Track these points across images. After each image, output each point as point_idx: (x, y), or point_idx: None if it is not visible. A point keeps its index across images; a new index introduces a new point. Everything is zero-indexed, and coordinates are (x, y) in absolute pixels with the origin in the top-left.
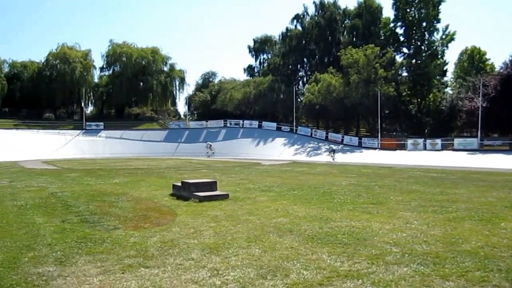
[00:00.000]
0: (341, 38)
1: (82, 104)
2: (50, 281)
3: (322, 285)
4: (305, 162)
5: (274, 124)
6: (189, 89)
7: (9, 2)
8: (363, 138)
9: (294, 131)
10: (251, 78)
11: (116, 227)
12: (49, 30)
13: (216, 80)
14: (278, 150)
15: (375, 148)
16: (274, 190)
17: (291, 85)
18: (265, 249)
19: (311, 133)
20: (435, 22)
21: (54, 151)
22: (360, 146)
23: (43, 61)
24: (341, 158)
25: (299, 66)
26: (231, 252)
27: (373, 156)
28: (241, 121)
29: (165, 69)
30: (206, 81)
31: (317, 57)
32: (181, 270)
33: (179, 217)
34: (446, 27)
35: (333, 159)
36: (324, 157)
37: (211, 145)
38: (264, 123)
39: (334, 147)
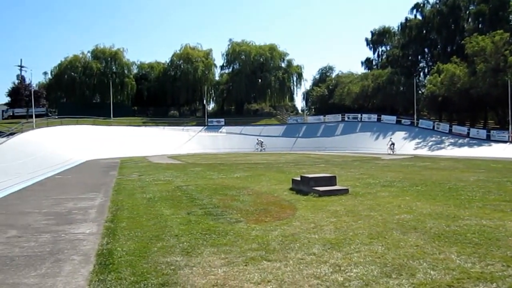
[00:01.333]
0: (465, 26)
1: (204, 101)
2: (178, 271)
3: (451, 287)
4: (428, 156)
5: (394, 118)
6: (307, 84)
7: (136, 10)
8: (491, 131)
9: (415, 124)
10: (369, 71)
11: (238, 220)
12: (173, 32)
13: (333, 75)
14: (398, 144)
15: (505, 142)
16: (396, 186)
17: (411, 77)
18: (388, 246)
19: (433, 126)
20: None
21: (179, 146)
22: (488, 139)
23: (168, 61)
24: (468, 152)
25: (419, 57)
26: (353, 248)
27: (504, 150)
28: (359, 115)
29: (283, 65)
30: (323, 76)
31: (439, 46)
32: (302, 265)
33: (299, 212)
34: None
35: (393, 152)
36: (448, 151)
37: (262, 142)
38: (383, 117)
39: (393, 140)
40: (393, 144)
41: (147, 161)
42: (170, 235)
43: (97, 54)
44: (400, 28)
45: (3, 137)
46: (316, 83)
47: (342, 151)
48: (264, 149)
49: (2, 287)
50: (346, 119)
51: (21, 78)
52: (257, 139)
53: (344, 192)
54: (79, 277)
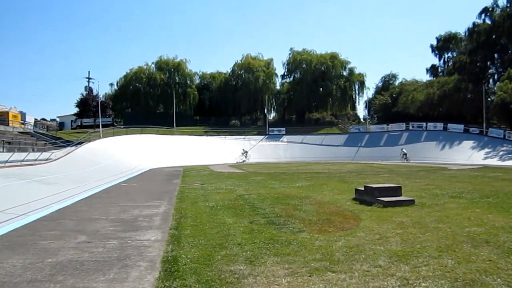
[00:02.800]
0: None
1: (265, 111)
2: (242, 279)
3: None
4: (498, 166)
5: (461, 126)
6: (369, 92)
7: (198, 21)
8: None
9: (484, 133)
10: (435, 78)
11: (301, 230)
12: (235, 42)
13: (397, 82)
14: (465, 153)
15: None
16: (465, 197)
17: (479, 84)
18: (458, 260)
19: (504, 135)
20: None
21: (240, 155)
22: None
23: (229, 71)
24: None
25: (488, 63)
26: (421, 261)
27: None
28: (424, 124)
29: (344, 73)
30: (386, 84)
31: (510, 52)
32: (368, 277)
33: (363, 222)
34: None
35: (407, 160)
36: None
37: (247, 152)
38: (449, 125)
39: (405, 150)
40: (405, 154)
41: (209, 169)
42: (233, 243)
43: (161, 65)
44: (467, 33)
45: (71, 146)
46: (379, 91)
47: (406, 161)
48: (248, 159)
49: None
50: (410, 127)
51: (89, 90)
52: (243, 149)
53: (410, 203)
54: (146, 283)
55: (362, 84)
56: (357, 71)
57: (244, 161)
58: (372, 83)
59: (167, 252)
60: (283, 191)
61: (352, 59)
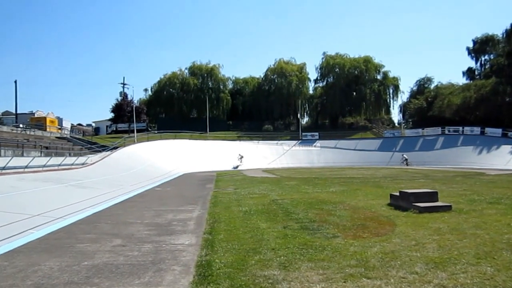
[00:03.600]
0: None
1: (298, 115)
2: (276, 285)
3: None
4: None
5: (499, 130)
6: (403, 96)
7: (231, 26)
8: None
9: None
10: (471, 81)
11: (335, 235)
12: (267, 47)
13: (432, 86)
14: (504, 158)
15: None
16: (504, 203)
17: None
18: (498, 267)
19: None
20: None
21: (273, 160)
22: None
23: (262, 76)
24: None
25: None
26: (458, 268)
27: None
28: (460, 128)
29: (378, 77)
30: (421, 87)
31: None
32: (405, 284)
33: (399, 228)
34: None
35: (407, 164)
36: None
37: (242, 157)
38: (487, 129)
39: (406, 156)
40: (406, 159)
41: (242, 174)
42: (267, 248)
43: (194, 70)
44: (505, 35)
45: (107, 151)
46: (414, 95)
47: (442, 166)
48: (241, 164)
49: None
50: (446, 132)
51: (124, 95)
52: (239, 154)
53: (447, 208)
54: (180, 287)
55: (396, 88)
56: (391, 74)
57: (238, 166)
58: (406, 87)
59: (201, 257)
60: (317, 196)
61: (386, 63)
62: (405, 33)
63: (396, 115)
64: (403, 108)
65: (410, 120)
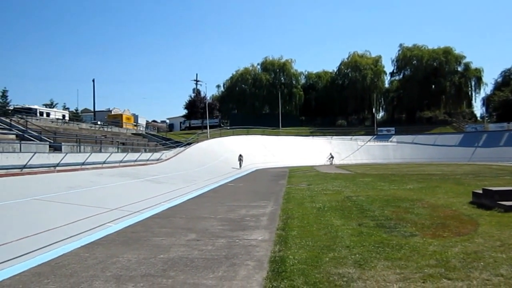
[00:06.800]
0: None
1: (373, 110)
2: (351, 283)
3: None
4: None
5: None
6: (487, 88)
7: (303, 20)
8: None
9: None
10: None
11: (413, 234)
12: (341, 40)
13: None
14: None
15: None
16: None
17: None
18: None
19: None
20: None
21: (347, 156)
22: None
23: (335, 70)
24: None
25: None
26: None
27: None
28: None
29: (459, 69)
30: (507, 78)
31: None
32: (489, 286)
33: (482, 228)
34: None
35: (331, 163)
36: None
37: (242, 158)
38: None
39: (332, 154)
40: (332, 157)
41: (315, 170)
42: (341, 246)
43: (266, 66)
44: None
45: (181, 147)
46: (498, 87)
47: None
48: (242, 164)
49: (184, 287)
50: None
51: (197, 92)
52: (240, 154)
53: None
54: (254, 282)
55: (479, 80)
56: (473, 66)
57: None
58: (490, 78)
59: (275, 252)
60: (393, 193)
61: (467, 53)
62: (489, 21)
63: (478, 109)
64: (486, 101)
65: (494, 113)
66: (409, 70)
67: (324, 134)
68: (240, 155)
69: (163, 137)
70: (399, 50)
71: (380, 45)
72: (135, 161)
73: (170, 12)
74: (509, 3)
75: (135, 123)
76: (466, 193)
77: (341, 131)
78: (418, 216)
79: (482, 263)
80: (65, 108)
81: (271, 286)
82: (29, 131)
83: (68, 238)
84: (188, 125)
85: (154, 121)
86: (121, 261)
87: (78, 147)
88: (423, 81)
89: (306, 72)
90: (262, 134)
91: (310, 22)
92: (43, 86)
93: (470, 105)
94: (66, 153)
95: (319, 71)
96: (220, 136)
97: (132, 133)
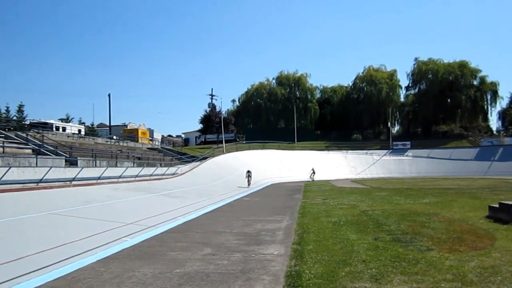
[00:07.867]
0: None
1: (389, 124)
2: None
3: None
4: None
5: None
6: (503, 102)
7: (318, 35)
8: None
9: None
10: None
11: (429, 248)
12: (356, 54)
13: None
14: None
15: None
16: None
17: None
18: None
19: None
20: None
21: (362, 170)
22: None
23: (350, 84)
24: None
25: None
26: None
27: None
28: None
29: (475, 82)
30: None
31: None
32: None
33: (499, 242)
34: None
35: (312, 179)
36: None
37: (250, 174)
38: None
39: (314, 169)
40: (314, 173)
41: (330, 184)
42: (357, 260)
43: (281, 80)
44: None
45: (196, 161)
46: None
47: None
48: (250, 181)
49: None
50: None
51: (212, 106)
52: (248, 170)
53: None
54: None
55: (494, 94)
56: (489, 79)
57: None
58: (506, 92)
59: (291, 267)
60: (409, 208)
61: (483, 67)
62: (505, 32)
63: (494, 122)
64: (502, 115)
65: (510, 127)
66: (424, 84)
67: (339, 148)
68: (248, 171)
69: (178, 152)
70: (414, 64)
71: (395, 59)
72: (151, 175)
73: (186, 28)
74: None
75: (150, 138)
76: (482, 207)
77: (356, 145)
78: (435, 230)
79: (499, 278)
80: (80, 123)
81: None
82: (45, 145)
83: (84, 252)
84: (203, 140)
85: (169, 135)
86: (137, 275)
87: (94, 161)
88: (438, 95)
89: (321, 87)
90: (277, 149)
91: (324, 37)
92: (59, 101)
93: (486, 119)
94: (82, 168)
95: (334, 85)
96: (236, 151)
97: (148, 148)
